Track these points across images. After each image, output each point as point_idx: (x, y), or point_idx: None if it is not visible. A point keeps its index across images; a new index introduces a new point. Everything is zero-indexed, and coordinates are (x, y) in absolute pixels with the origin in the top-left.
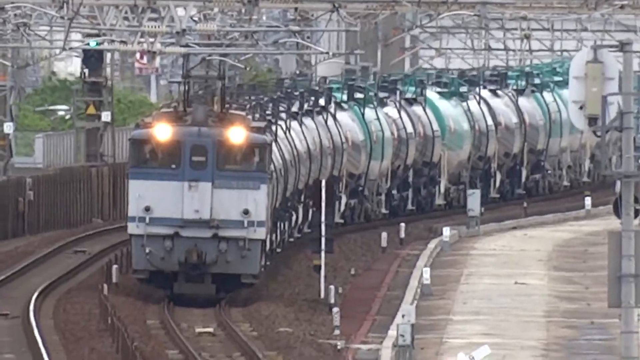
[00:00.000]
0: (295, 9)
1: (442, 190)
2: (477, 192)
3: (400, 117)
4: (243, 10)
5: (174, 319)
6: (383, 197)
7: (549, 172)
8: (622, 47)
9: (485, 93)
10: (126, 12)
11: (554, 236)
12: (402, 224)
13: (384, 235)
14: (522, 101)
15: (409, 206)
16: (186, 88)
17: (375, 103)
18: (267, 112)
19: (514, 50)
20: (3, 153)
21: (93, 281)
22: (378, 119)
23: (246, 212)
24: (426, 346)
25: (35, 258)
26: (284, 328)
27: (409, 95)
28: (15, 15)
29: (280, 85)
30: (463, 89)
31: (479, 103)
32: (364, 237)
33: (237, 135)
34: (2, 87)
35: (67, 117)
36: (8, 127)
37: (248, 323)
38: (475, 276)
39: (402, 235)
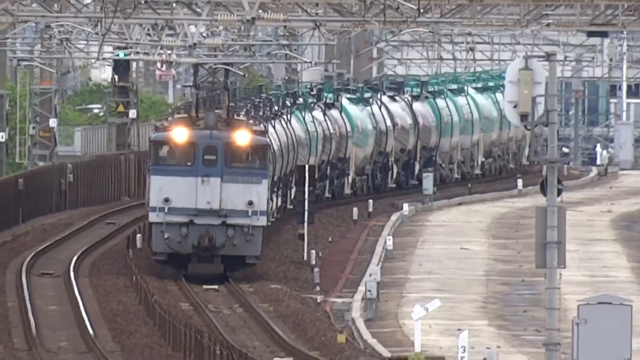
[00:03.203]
0: (285, 27)
1: (350, 181)
2: (431, 175)
3: (325, 120)
4: (242, 28)
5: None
6: None
7: (443, 165)
8: (548, 57)
9: (385, 99)
10: (148, 29)
11: (493, 211)
12: (370, 201)
13: (355, 210)
14: (417, 106)
15: (326, 194)
16: (197, 97)
17: (309, 108)
18: (254, 115)
19: (460, 60)
20: (49, 143)
21: (121, 247)
22: (313, 121)
23: (250, 203)
24: (389, 299)
25: (75, 229)
26: (275, 285)
27: (328, 101)
28: (59, 32)
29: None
30: (367, 95)
31: (379, 107)
32: (338, 212)
33: (242, 137)
34: (48, 90)
35: (101, 114)
36: (53, 122)
37: (245, 281)
38: (428, 243)
39: (370, 209)
